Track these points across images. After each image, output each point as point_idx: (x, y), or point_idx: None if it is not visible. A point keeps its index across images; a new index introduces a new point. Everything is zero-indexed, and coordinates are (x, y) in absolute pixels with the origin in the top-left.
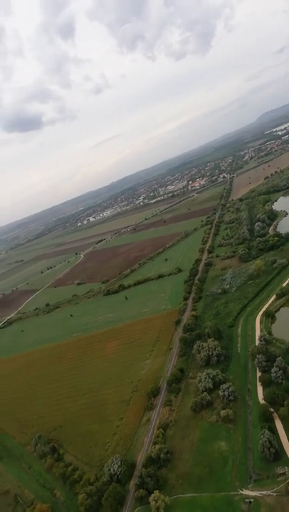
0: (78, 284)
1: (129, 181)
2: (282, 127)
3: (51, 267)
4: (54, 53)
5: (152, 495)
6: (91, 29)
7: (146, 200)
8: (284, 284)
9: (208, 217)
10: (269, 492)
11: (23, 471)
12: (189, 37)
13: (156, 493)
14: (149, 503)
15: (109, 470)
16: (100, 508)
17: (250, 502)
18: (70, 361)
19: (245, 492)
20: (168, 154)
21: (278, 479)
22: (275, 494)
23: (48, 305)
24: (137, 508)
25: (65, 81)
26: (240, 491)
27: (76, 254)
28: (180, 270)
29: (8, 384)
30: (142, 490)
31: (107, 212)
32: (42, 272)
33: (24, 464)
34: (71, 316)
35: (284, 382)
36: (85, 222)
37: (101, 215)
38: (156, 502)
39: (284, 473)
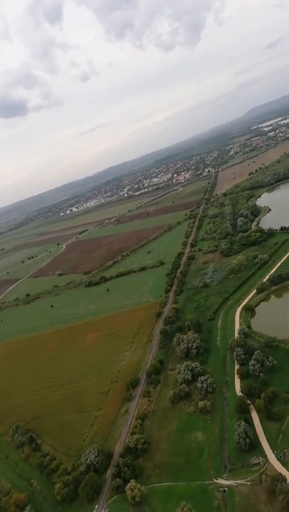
0: (60, 274)
1: (115, 172)
2: (268, 123)
3: (32, 257)
4: (41, 37)
5: (128, 484)
6: (79, 14)
7: (130, 192)
8: (264, 279)
9: (191, 211)
10: (243, 481)
11: (0, 461)
12: (178, 28)
13: (133, 482)
14: (126, 492)
15: (86, 460)
16: (77, 497)
17: (224, 491)
18: (50, 352)
19: (220, 481)
20: (154, 146)
21: (253, 469)
22: (249, 483)
23: (28, 295)
24: (113, 497)
25: (51, 67)
26: (215, 480)
27: (58, 244)
28: (163, 263)
29: None
30: (118, 479)
31: (91, 203)
32: (23, 262)
33: (1, 453)
34: (52, 306)
35: (261, 375)
36: (68, 212)
37: (84, 205)
38: (133, 491)
39: (258, 463)
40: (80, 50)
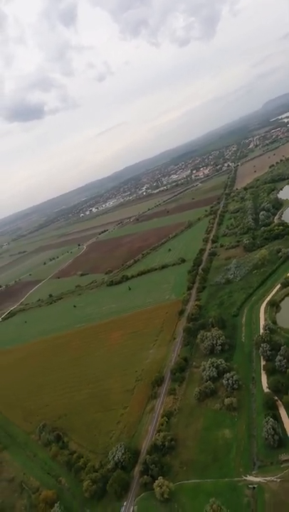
0: (81, 274)
1: (132, 171)
2: (287, 114)
3: (54, 258)
4: (56, 40)
5: (157, 481)
6: (93, 15)
7: (149, 190)
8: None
9: (212, 207)
10: (273, 478)
11: (28, 459)
12: (193, 22)
13: (161, 479)
14: (154, 489)
15: (113, 457)
16: (105, 494)
17: (253, 488)
18: (74, 351)
19: (249, 478)
20: (172, 143)
21: (282, 465)
22: (279, 480)
23: (51, 296)
24: (141, 494)
25: (67, 69)
26: (244, 477)
27: (79, 245)
28: (184, 260)
29: (13, 374)
30: (146, 476)
31: (110, 203)
32: (45, 263)
33: (29, 452)
34: (74, 306)
35: (288, 370)
36: (88, 212)
37: (104, 205)
38: (161, 488)
39: (288, 460)
40: (96, 51)
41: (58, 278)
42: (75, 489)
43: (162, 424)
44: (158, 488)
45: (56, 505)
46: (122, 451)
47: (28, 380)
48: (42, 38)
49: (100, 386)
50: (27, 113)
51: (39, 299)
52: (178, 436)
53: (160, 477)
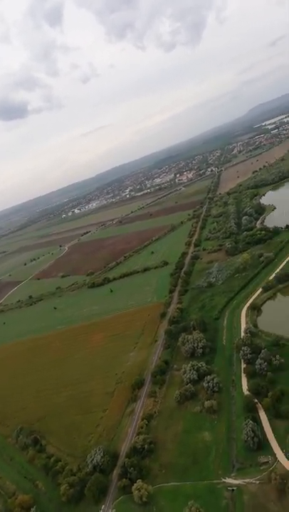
0: (62, 276)
1: (116, 173)
2: (271, 121)
3: (35, 259)
4: (41, 40)
5: (135, 484)
6: (79, 16)
7: (132, 193)
8: (270, 278)
9: (195, 211)
10: (252, 480)
11: (4, 463)
12: (180, 27)
13: (139, 482)
14: (132, 493)
15: (92, 460)
16: (83, 498)
17: (232, 490)
18: (54, 353)
19: (228, 480)
20: (156, 146)
21: (261, 468)
22: (258, 482)
23: (31, 297)
24: (119, 497)
25: (52, 69)
26: (223, 480)
27: (60, 246)
28: (166, 263)
29: None
30: (124, 479)
31: (93, 204)
32: (25, 264)
33: (5, 455)
34: (55, 308)
35: (268, 373)
36: (70, 214)
37: (86, 207)
38: (140, 491)
39: (267, 462)
40: (81, 52)
41: (39, 279)
42: (52, 493)
43: (142, 427)
44: (136, 492)
45: (32, 509)
46: (101, 455)
47: (5, 382)
48: (27, 36)
49: (79, 388)
50: (11, 112)
51: (19, 300)
52: (157, 439)
53: (139, 480)
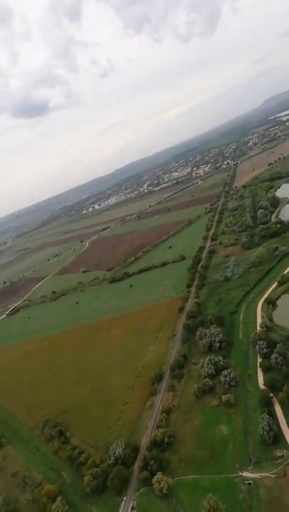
0: (84, 271)
1: (134, 168)
2: (286, 112)
3: (57, 255)
4: (61, 36)
5: (156, 476)
6: (97, 10)
7: (150, 188)
8: (285, 272)
9: (211, 205)
10: (268, 474)
11: (31, 454)
12: (195, 19)
13: (160, 474)
14: (153, 485)
15: (114, 453)
16: (105, 489)
17: (249, 483)
18: (76, 347)
19: (245, 474)
20: (173, 140)
21: (277, 462)
22: (273, 476)
23: (54, 292)
24: (140, 489)
25: (71, 65)
26: (240, 473)
27: (81, 242)
28: (184, 258)
29: (16, 370)
30: (145, 472)
31: (112, 200)
32: (48, 260)
33: (32, 447)
34: (77, 303)
35: (284, 368)
36: (90, 209)
37: (106, 202)
38: (160, 483)
39: (282, 456)
40: (99, 47)
41: (61, 275)
42: (77, 484)
43: (161, 421)
44: (157, 484)
45: (58, 499)
46: (122, 447)
47: (31, 375)
48: (47, 33)
49: (101, 382)
50: (32, 109)
51: (43, 296)
52: (176, 432)
53: (159, 473)
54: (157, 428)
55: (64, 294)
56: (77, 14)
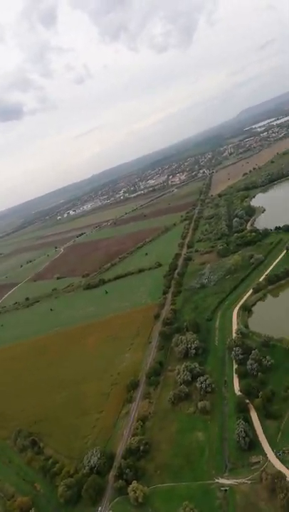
0: (58, 278)
1: (110, 174)
2: (261, 124)
3: (31, 261)
4: (35, 41)
5: (131, 485)
6: (74, 17)
7: (126, 194)
8: (260, 279)
9: (187, 213)
10: (244, 480)
11: (3, 465)
12: (172, 30)
13: (135, 483)
14: (128, 494)
15: (88, 462)
16: (80, 500)
17: (225, 490)
18: (51, 355)
19: (221, 480)
20: (150, 148)
21: (252, 468)
22: (249, 482)
23: (27, 299)
24: (116, 498)
25: (46, 70)
26: (216, 480)
27: (56, 248)
28: (160, 264)
29: None
30: (120, 481)
31: (88, 206)
32: (21, 266)
33: (4, 457)
34: (51, 310)
35: (259, 374)
36: (65, 215)
37: (81, 208)
38: (135, 492)
39: (258, 462)
40: (75, 53)
41: (35, 281)
42: (50, 495)
43: (137, 428)
44: (132, 493)
45: (31, 511)
46: (98, 456)
47: (3, 385)
48: (22, 38)
49: (76, 390)
50: (5, 113)
51: (16, 302)
52: (152, 439)
53: (134, 481)
54: (133, 436)
55: (38, 301)
56: (53, 20)
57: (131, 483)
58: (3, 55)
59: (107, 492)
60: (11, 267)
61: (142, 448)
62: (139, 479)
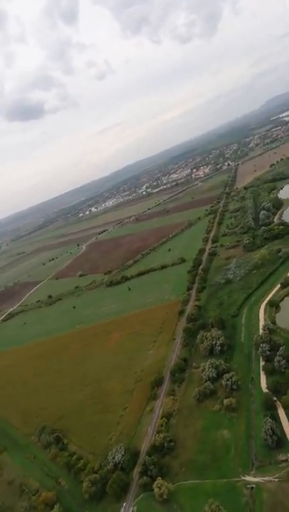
0: (80, 275)
1: (132, 170)
2: (288, 113)
3: (53, 259)
4: (57, 38)
5: (156, 482)
6: (94, 13)
7: (149, 190)
8: (288, 274)
9: (212, 206)
10: (271, 478)
11: (27, 461)
12: (195, 20)
13: (160, 480)
14: (153, 490)
15: (113, 458)
16: (104, 496)
17: (252, 488)
18: (74, 352)
19: (248, 478)
20: (172, 141)
21: (280, 465)
22: (276, 480)
23: (50, 297)
24: (140, 495)
25: (67, 67)
26: (243, 477)
27: (78, 245)
28: (183, 260)
29: (11, 376)
30: (145, 477)
31: (109, 203)
32: (44, 264)
33: (29, 453)
34: (74, 307)
35: (287, 371)
36: (87, 212)
37: (103, 205)
38: (160, 489)
39: (286, 460)
40: (96, 49)
41: (57, 279)
42: (75, 490)
43: (161, 425)
44: (157, 489)
45: (56, 506)
46: (122, 453)
47: (27, 382)
48: (43, 35)
49: (99, 387)
50: (27, 112)
51: (38, 300)
52: (177, 437)
53: (159, 478)
54: (157, 433)
55: (60, 299)
56: (74, 16)
57: (156, 480)
58: (24, 54)
59: (131, 488)
60: (33, 265)
61: (166, 445)
62: (164, 476)
